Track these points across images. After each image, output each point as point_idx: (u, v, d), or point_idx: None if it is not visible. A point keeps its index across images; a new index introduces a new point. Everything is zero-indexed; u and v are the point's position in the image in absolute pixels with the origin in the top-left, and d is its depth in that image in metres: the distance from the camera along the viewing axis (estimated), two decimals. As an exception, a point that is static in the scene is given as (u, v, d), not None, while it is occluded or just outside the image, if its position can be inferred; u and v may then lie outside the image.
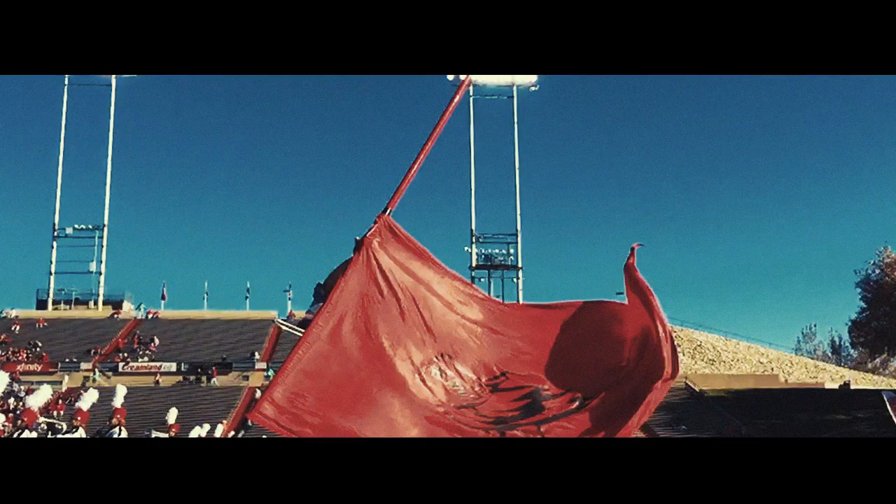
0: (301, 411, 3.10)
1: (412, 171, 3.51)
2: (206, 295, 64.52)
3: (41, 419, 13.01)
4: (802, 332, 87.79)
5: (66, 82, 66.56)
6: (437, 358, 3.43)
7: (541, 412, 3.32)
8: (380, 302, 3.40)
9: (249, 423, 3.22)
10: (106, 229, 65.22)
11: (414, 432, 3.18)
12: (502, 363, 3.50)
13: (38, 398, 12.78)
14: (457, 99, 3.67)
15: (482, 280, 67.49)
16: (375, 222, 3.51)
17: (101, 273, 64.17)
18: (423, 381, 3.36)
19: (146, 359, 51.80)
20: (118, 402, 13.35)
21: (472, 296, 3.62)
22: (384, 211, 3.54)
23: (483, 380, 3.45)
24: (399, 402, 3.27)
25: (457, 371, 3.44)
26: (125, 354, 52.29)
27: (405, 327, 3.42)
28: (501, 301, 3.76)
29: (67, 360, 50.46)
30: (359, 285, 3.39)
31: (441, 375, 3.41)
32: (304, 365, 3.18)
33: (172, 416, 18.36)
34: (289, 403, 3.10)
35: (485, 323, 3.57)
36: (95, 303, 63.75)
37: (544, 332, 3.61)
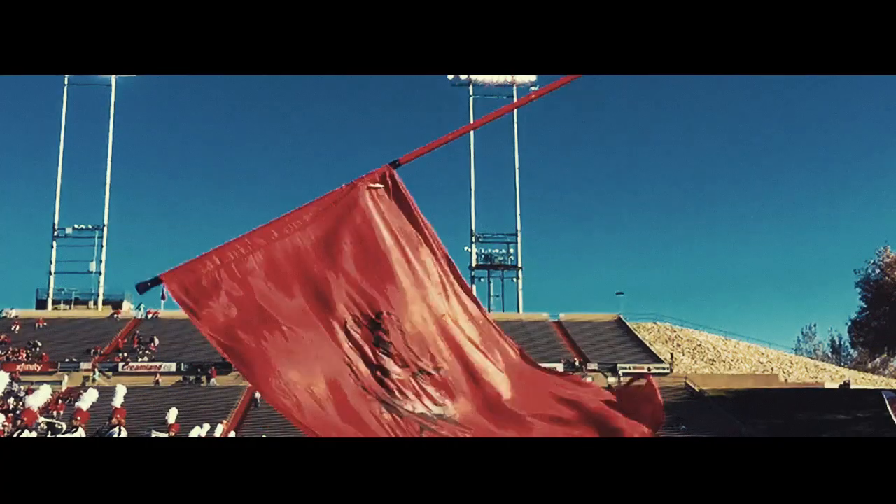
0: (216, 304, 2.89)
1: (446, 139, 3.31)
2: (206, 295, 64.39)
3: (41, 419, 13.00)
4: (802, 332, 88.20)
5: (66, 82, 66.76)
6: (387, 315, 3.17)
7: (432, 423, 3.09)
8: (350, 240, 3.18)
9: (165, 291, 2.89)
10: (106, 229, 65.39)
11: (317, 368, 2.96)
12: (443, 360, 3.23)
13: (38, 398, 12.80)
14: (533, 97, 3.79)
15: (482, 280, 67.70)
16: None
17: (100, 273, 64.34)
18: (358, 329, 3.11)
19: (146, 359, 51.85)
20: (118, 402, 13.37)
21: (455, 290, 3.34)
22: (393, 163, 3.24)
23: (413, 360, 3.17)
24: (315, 336, 3.03)
25: (399, 338, 3.16)
26: (125, 354, 52.34)
27: (370, 273, 3.18)
28: (489, 318, 3.45)
29: (67, 360, 50.51)
30: (334, 217, 3.17)
31: (380, 330, 3.14)
32: (246, 262, 2.98)
33: (172, 416, 18.41)
34: (199, 290, 2.89)
35: (454, 317, 3.30)
36: (95, 303, 63.83)
37: (504, 364, 3.34)
